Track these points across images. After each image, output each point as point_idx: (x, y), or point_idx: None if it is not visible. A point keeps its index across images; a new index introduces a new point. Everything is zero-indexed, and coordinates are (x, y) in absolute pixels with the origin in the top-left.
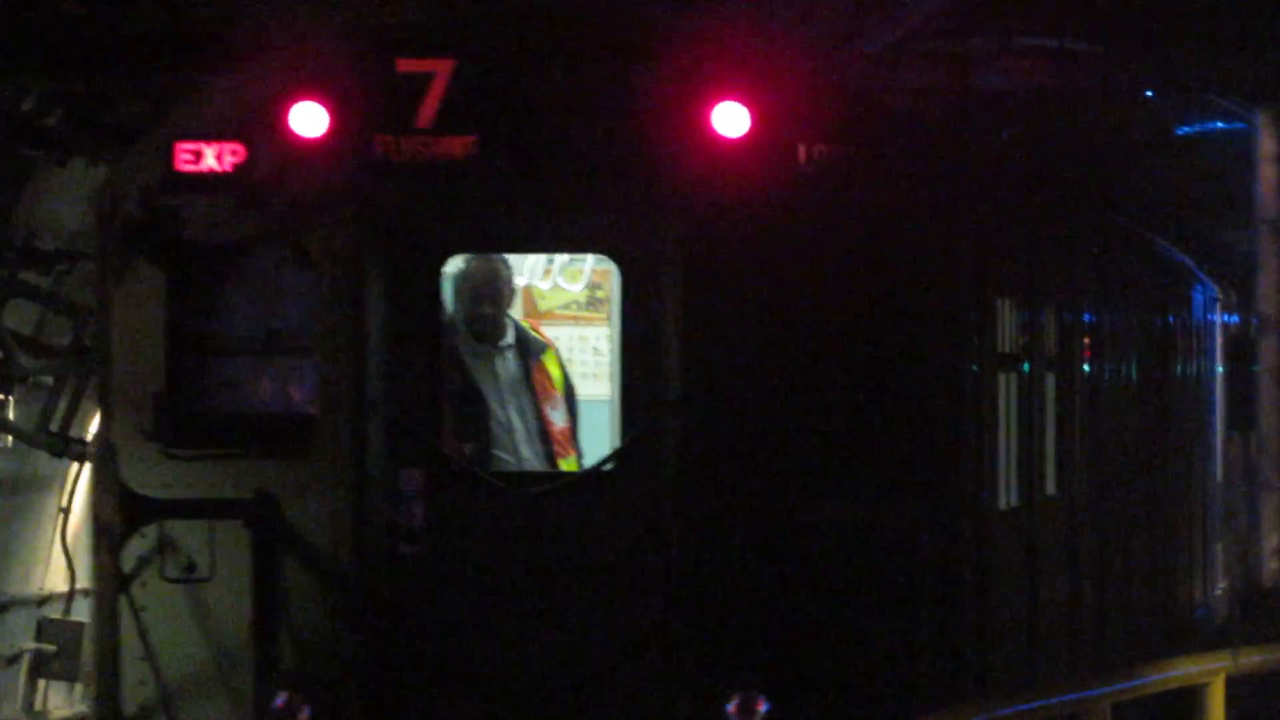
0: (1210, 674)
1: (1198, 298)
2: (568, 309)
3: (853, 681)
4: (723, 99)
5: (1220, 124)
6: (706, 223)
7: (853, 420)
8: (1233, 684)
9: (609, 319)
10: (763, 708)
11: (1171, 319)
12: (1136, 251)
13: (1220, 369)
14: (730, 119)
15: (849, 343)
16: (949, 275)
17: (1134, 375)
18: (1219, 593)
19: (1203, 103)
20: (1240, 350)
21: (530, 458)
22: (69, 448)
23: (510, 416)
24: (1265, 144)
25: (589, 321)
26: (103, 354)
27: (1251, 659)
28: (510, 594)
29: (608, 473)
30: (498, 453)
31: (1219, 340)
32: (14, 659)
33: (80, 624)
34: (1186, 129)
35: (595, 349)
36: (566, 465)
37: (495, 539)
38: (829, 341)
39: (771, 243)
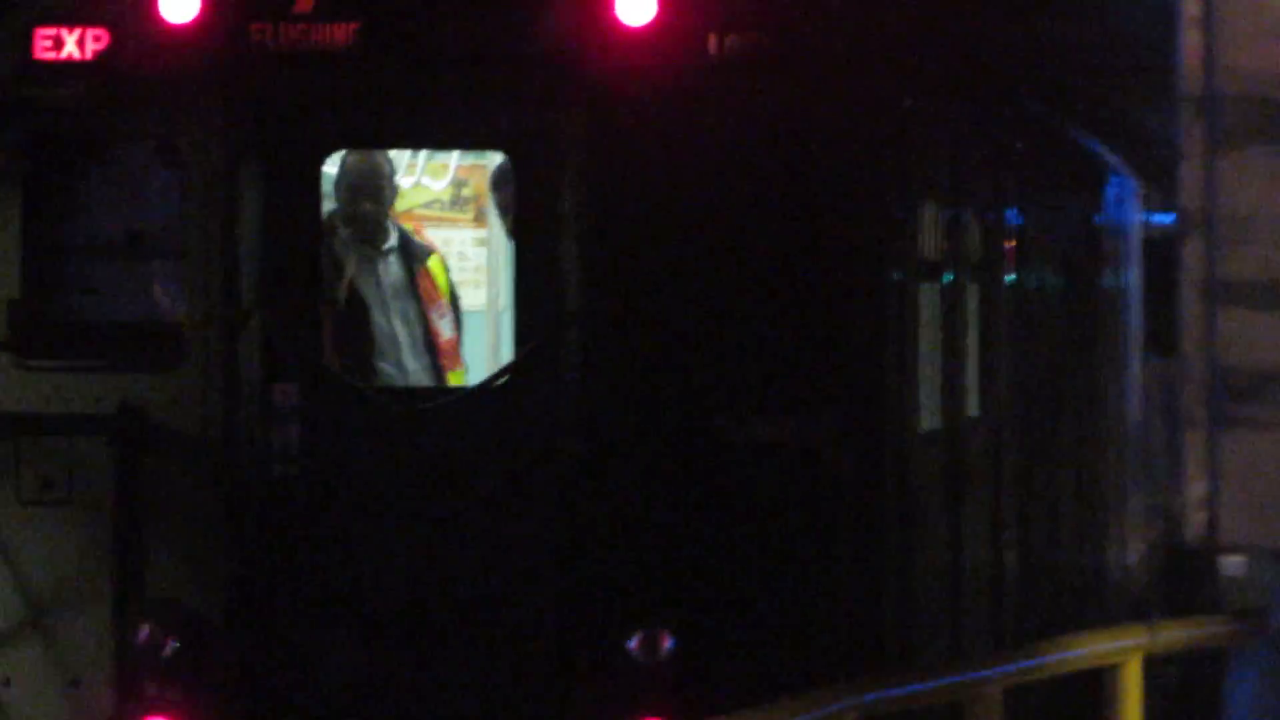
0: (1124, 653)
1: (1111, 192)
2: (430, 208)
3: (766, 616)
4: None
5: None
6: (609, 117)
7: (767, 331)
8: (1151, 664)
9: (475, 219)
10: (667, 644)
11: (1083, 219)
12: (1047, 138)
13: (1134, 280)
14: (634, 5)
15: (763, 248)
16: (870, 173)
17: (1050, 286)
18: (1135, 552)
19: None
20: (1160, 256)
21: (417, 370)
22: None
23: (395, 326)
24: (1189, 5)
25: (454, 223)
26: None
27: (1172, 634)
28: (394, 518)
29: (501, 387)
30: (381, 365)
31: (1136, 245)
32: None
33: None
34: None
35: (461, 253)
36: (454, 378)
37: (378, 459)
38: (741, 246)
39: (679, 139)
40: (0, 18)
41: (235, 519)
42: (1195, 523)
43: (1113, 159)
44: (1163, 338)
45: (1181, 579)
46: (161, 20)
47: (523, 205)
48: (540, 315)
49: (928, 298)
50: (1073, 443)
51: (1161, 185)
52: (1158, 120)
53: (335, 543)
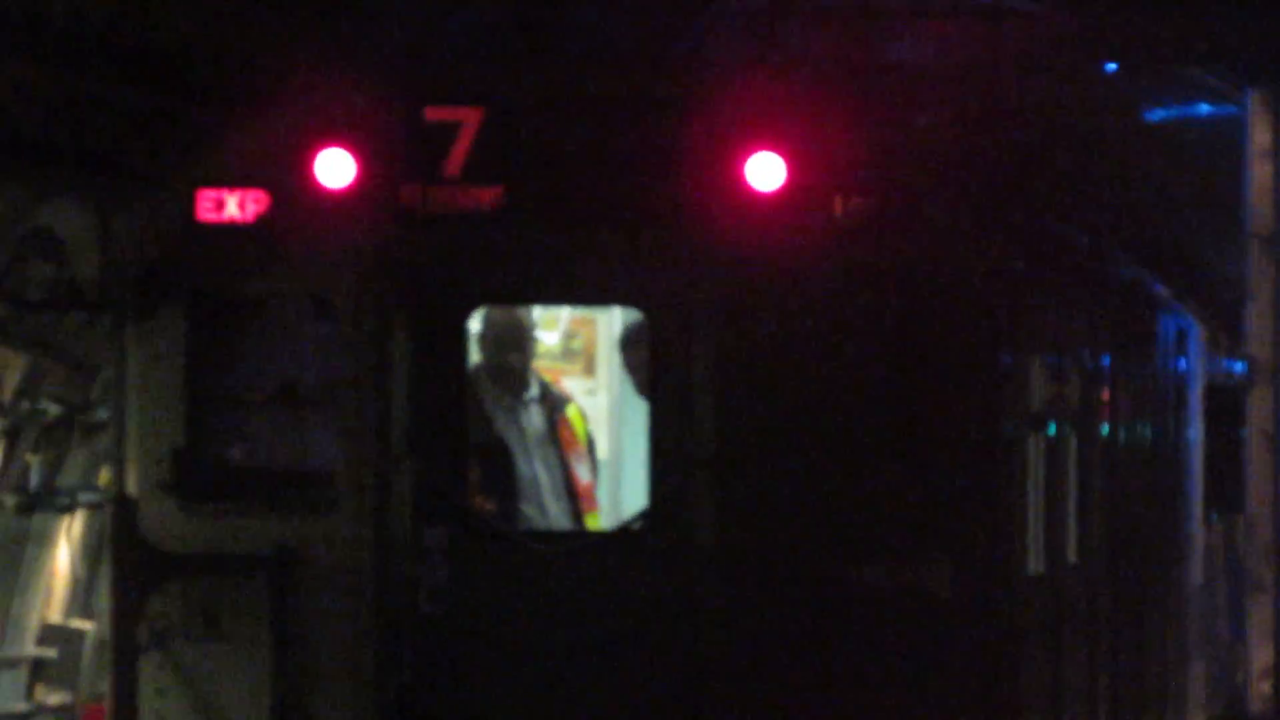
0: None
1: (1173, 338)
2: (542, 360)
3: None
4: (757, 150)
5: (1205, 108)
6: (740, 277)
7: (886, 479)
8: None
9: (585, 370)
10: None
11: (1146, 366)
12: (1119, 281)
13: (1196, 431)
14: (764, 171)
15: (882, 399)
16: (985, 329)
17: (1129, 437)
18: None
19: (1182, 80)
20: (1225, 406)
21: (557, 514)
22: (54, 502)
23: (536, 471)
24: (1258, 134)
25: (564, 374)
26: (118, 406)
27: None
28: (534, 655)
29: (637, 531)
30: (524, 509)
31: (1197, 393)
32: (14, 664)
33: (82, 631)
34: (1160, 114)
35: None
36: (591, 521)
37: (522, 598)
38: (862, 399)
39: (804, 296)
40: (164, 180)
41: (386, 654)
42: (1259, 694)
43: (1171, 298)
44: (1227, 493)
45: None
46: (318, 184)
47: (657, 359)
48: (673, 463)
49: (1034, 447)
50: (1140, 602)
51: (1226, 328)
52: (1221, 257)
53: (480, 676)
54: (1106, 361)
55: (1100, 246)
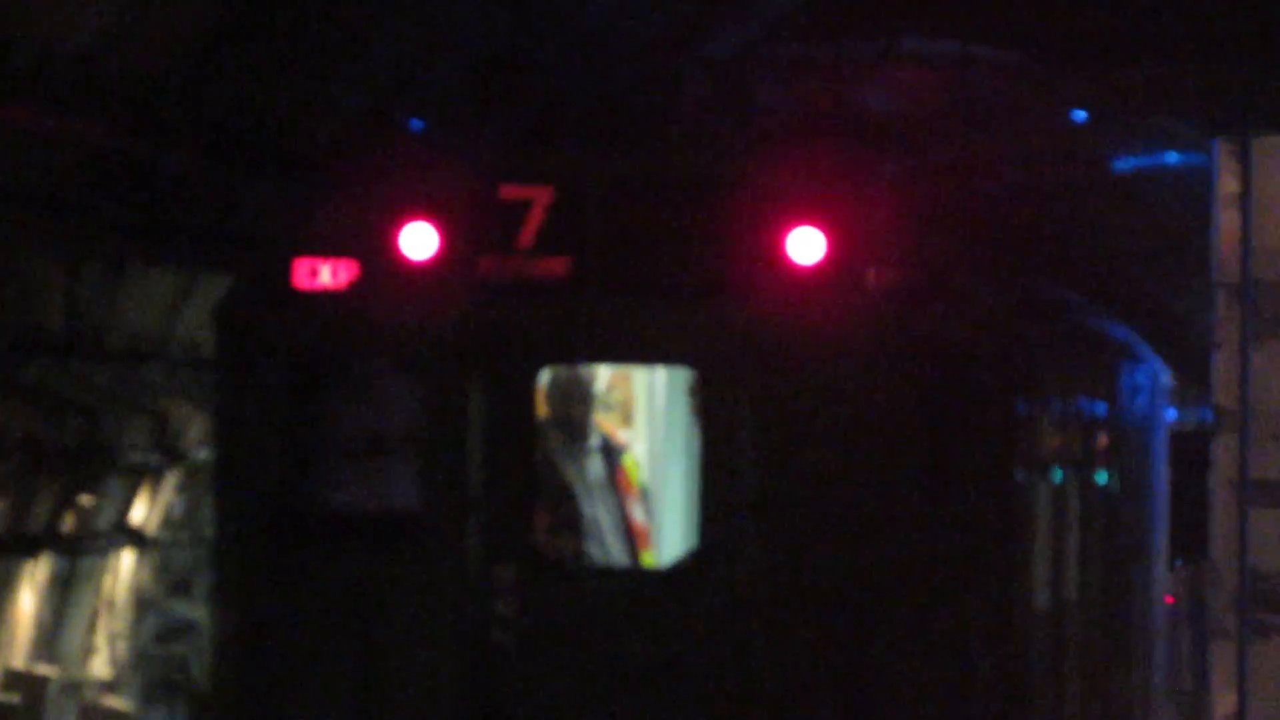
0: None
1: (1142, 386)
2: None
3: None
4: (797, 224)
5: (1173, 157)
6: (783, 340)
7: (913, 525)
8: None
9: (624, 420)
10: None
11: (1124, 416)
12: (1090, 329)
13: (1161, 477)
14: (805, 246)
15: (910, 451)
16: (1000, 384)
17: (1106, 483)
18: None
19: (1150, 129)
20: (1191, 453)
21: (617, 553)
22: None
23: (598, 513)
24: (1225, 183)
25: (603, 424)
26: (222, 455)
27: None
28: (597, 682)
29: (690, 568)
30: (587, 548)
31: (1164, 441)
32: None
33: (46, 677)
34: (1128, 163)
35: None
36: (646, 559)
37: (584, 628)
38: (892, 450)
39: (840, 357)
40: (265, 249)
41: (462, 679)
42: None
43: (1139, 346)
44: (1191, 540)
45: None
46: (403, 256)
47: (707, 413)
48: (723, 506)
49: (1043, 492)
50: (1121, 643)
51: (1190, 375)
52: (1188, 306)
53: (546, 699)
54: (1099, 410)
55: (1074, 295)
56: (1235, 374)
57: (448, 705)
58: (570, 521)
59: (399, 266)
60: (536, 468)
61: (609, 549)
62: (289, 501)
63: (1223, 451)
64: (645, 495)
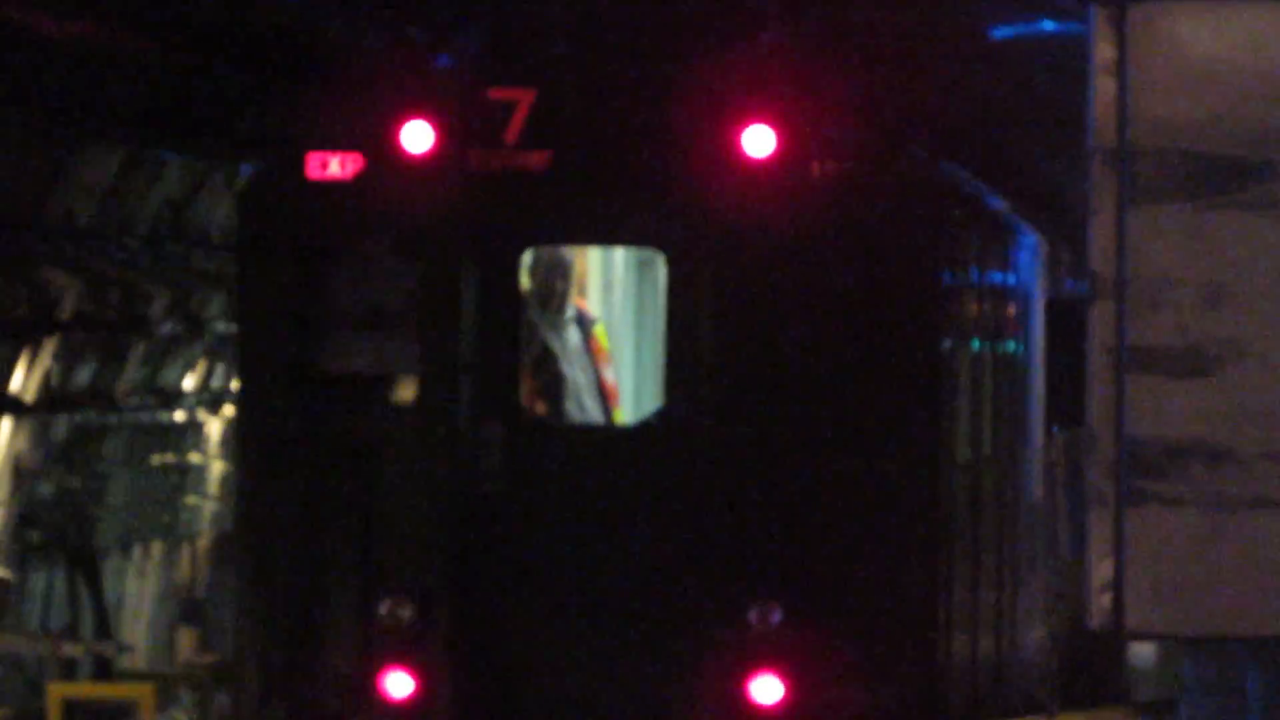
0: None
1: (1019, 255)
2: None
3: (852, 598)
4: (751, 123)
5: (1049, 25)
6: (739, 224)
7: (852, 386)
8: None
9: (580, 294)
10: (776, 616)
11: (1013, 287)
12: (985, 204)
13: (1037, 346)
14: (758, 142)
15: (851, 325)
16: (928, 258)
17: (1011, 352)
18: (1036, 639)
19: None
20: (1067, 322)
21: (592, 411)
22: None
23: (575, 376)
24: (1101, 50)
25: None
26: (242, 325)
27: None
28: (574, 522)
29: (656, 425)
30: (566, 407)
31: (1040, 309)
32: None
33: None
34: (1004, 32)
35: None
36: (617, 417)
37: (563, 478)
38: (835, 322)
39: (788, 239)
40: (280, 143)
41: (454, 523)
42: (1100, 608)
43: (1018, 218)
44: (1067, 409)
45: (1085, 667)
46: (404, 150)
47: (673, 290)
48: (685, 370)
49: (963, 359)
50: (1013, 503)
51: (1068, 243)
52: (1063, 173)
53: (528, 540)
54: (1004, 281)
55: (964, 170)
56: (1111, 242)
57: (439, 545)
58: (551, 383)
59: (400, 160)
60: (520, 336)
61: (585, 408)
62: (301, 365)
63: (1099, 319)
64: (613, 361)
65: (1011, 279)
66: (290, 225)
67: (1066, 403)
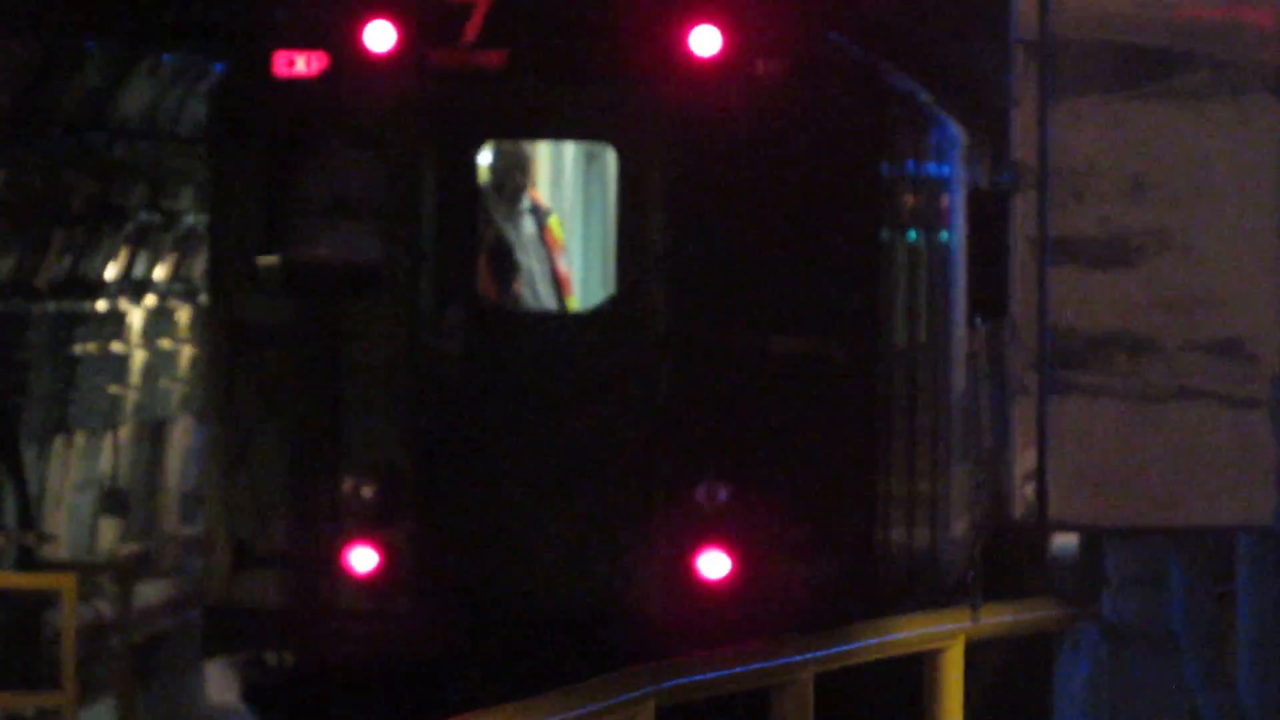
0: (945, 637)
1: (939, 144)
2: None
3: (794, 476)
4: (698, 23)
5: None
6: (686, 120)
7: (796, 271)
8: (975, 649)
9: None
10: (723, 494)
11: (942, 178)
12: (904, 94)
13: (959, 236)
14: (703, 40)
15: (794, 212)
16: (869, 157)
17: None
18: (959, 529)
19: None
20: (989, 212)
21: (547, 298)
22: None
23: (531, 264)
24: None
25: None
26: (213, 216)
27: (997, 618)
28: (530, 404)
29: (608, 310)
30: (522, 293)
31: (960, 199)
32: None
33: None
34: None
35: None
36: (570, 304)
37: (520, 360)
38: (778, 212)
39: (733, 134)
40: (246, 41)
41: (415, 404)
42: (1023, 498)
43: (934, 105)
44: (990, 299)
45: (1008, 558)
46: (366, 49)
47: (624, 183)
48: (636, 259)
49: (901, 249)
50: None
51: (989, 134)
52: (984, 64)
53: (486, 421)
54: (937, 172)
55: (886, 60)
56: (1034, 132)
57: (402, 427)
58: (508, 271)
59: (363, 57)
60: (478, 226)
61: (540, 295)
62: (278, 254)
63: (1022, 209)
64: (566, 251)
65: (944, 170)
66: (258, 120)
67: (990, 293)
